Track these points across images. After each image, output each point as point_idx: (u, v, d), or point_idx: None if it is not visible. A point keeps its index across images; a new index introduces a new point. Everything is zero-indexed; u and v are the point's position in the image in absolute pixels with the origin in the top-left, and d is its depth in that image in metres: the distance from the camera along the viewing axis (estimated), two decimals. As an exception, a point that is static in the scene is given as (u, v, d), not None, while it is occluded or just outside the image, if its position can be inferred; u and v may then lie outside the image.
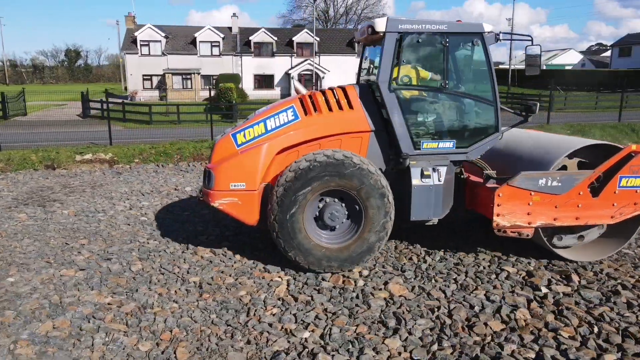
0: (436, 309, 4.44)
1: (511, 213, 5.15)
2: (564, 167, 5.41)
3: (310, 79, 42.49)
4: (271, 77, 42.86)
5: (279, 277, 5.22)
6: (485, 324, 4.15)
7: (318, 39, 42.67)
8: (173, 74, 40.33)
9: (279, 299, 4.72)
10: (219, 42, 41.77)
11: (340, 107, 5.44)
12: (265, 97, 34.70)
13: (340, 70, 41.86)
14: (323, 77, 41.55)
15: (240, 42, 42.79)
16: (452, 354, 3.75)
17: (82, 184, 10.19)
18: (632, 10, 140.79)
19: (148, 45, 41.15)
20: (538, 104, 5.57)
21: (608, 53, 76.91)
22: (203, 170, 5.48)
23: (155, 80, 42.02)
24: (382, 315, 4.35)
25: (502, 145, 6.04)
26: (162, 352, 3.79)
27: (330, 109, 5.43)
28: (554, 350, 3.75)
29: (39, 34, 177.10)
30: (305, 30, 43.65)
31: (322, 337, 4.01)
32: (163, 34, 41.24)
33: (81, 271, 5.41)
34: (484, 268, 5.42)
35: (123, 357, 3.74)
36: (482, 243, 6.14)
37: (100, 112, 25.66)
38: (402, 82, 5.39)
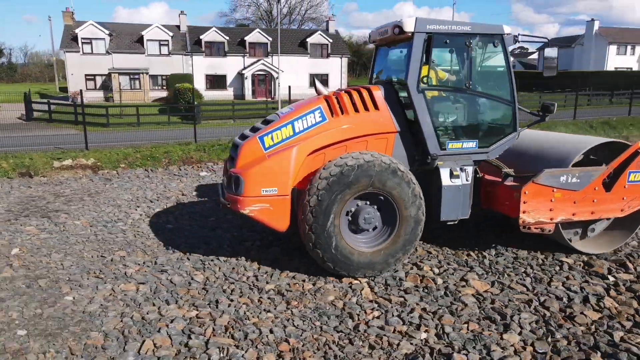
0: (529, 303, 4.60)
1: (535, 210, 5.28)
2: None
3: (264, 80, 42.08)
4: (223, 77, 41.92)
5: (357, 280, 5.17)
6: (583, 314, 4.35)
7: (270, 38, 42.29)
8: (120, 73, 38.32)
9: (370, 301, 4.68)
10: (167, 40, 40.26)
11: (366, 108, 5.35)
12: (219, 97, 33.91)
13: (293, 71, 41.78)
14: (277, 78, 41.24)
15: (190, 41, 41.49)
16: (568, 344, 3.91)
17: (74, 192, 9.49)
18: (545, 17, 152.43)
19: (90, 43, 38.84)
20: (556, 104, 5.84)
21: (535, 55, 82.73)
22: (227, 175, 5.19)
23: (99, 80, 39.76)
24: (482, 311, 4.45)
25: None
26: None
27: (356, 110, 5.32)
28: (656, 334, 4.02)
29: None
30: (258, 30, 43.12)
31: (438, 336, 4.04)
32: (107, 32, 39.10)
33: (142, 285, 5.07)
34: (543, 261, 5.67)
35: (252, 372, 3.56)
36: (500, 239, 6.31)
37: (48, 114, 23.90)
38: (426, 83, 5.35)
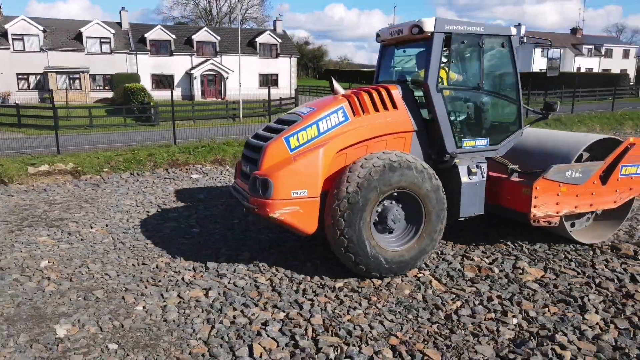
0: (588, 285, 4.99)
1: (544, 204, 5.52)
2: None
3: (214, 80, 41.18)
4: (171, 77, 40.47)
5: (420, 273, 5.33)
6: (638, 292, 4.79)
7: (219, 37, 41.46)
8: (57, 72, 35.92)
9: (446, 292, 4.86)
10: (109, 38, 38.24)
11: (386, 107, 5.36)
12: (166, 98, 32.62)
13: (243, 70, 41.19)
14: (227, 78, 40.55)
15: (133, 39, 39.71)
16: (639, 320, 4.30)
17: (66, 199, 8.90)
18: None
19: (22, 39, 36.05)
20: (559, 102, 6.33)
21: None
22: (251, 178, 4.98)
23: (33, 79, 37.03)
24: (552, 295, 4.76)
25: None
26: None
27: (376, 110, 5.32)
28: None
29: None
30: (205, 28, 42.08)
31: (528, 321, 4.29)
32: (41, 27, 36.47)
33: (209, 290, 4.92)
34: (575, 248, 6.12)
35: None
36: (508, 231, 6.72)
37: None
38: (440, 83, 5.45)
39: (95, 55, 37.90)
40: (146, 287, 5.00)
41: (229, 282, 5.12)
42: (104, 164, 11.38)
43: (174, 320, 4.32)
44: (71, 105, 26.86)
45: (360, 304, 4.62)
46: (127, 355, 3.77)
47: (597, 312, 4.40)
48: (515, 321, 4.26)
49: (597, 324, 4.21)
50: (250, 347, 3.85)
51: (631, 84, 43.99)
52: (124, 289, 4.99)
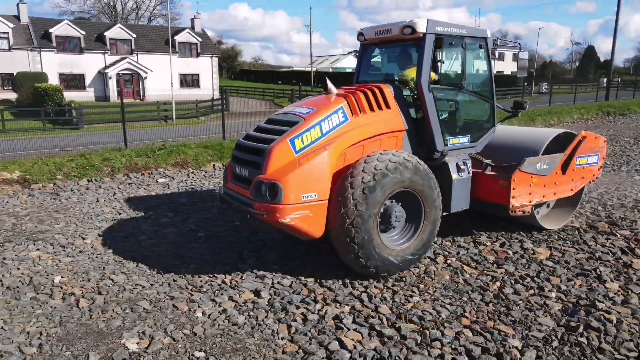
0: (592, 259, 5.69)
1: (520, 195, 5.95)
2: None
3: (131, 80, 38.93)
4: (81, 76, 37.55)
5: (449, 260, 5.70)
6: (636, 260, 5.58)
7: (134, 35, 39.26)
8: (-55, 71, 31.76)
9: (480, 275, 5.27)
10: (7, 33, 34.52)
11: (380, 107, 5.39)
12: (78, 99, 30.39)
13: (162, 70, 39.42)
14: (146, 78, 38.57)
15: (35, 34, 36.22)
16: (646, 284, 5.04)
17: (30, 210, 8.12)
18: (367, 24, 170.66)
19: None
20: (528, 102, 7.09)
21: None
22: (256, 182, 4.79)
23: None
24: (569, 270, 5.38)
25: None
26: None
27: (372, 109, 5.35)
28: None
29: None
30: (119, 25, 39.59)
31: (564, 293, 4.82)
32: None
33: (260, 291, 4.88)
34: (563, 229, 6.89)
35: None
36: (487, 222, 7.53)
37: None
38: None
39: (-9, 52, 34.06)
40: (192, 294, 4.83)
41: (273, 282, 5.10)
42: (55, 171, 10.45)
43: (245, 323, 4.25)
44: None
45: (413, 292, 4.87)
46: (222, 361, 3.68)
47: (612, 281, 5.07)
48: (554, 295, 4.78)
49: (617, 291, 4.86)
50: (340, 341, 3.94)
51: (525, 84, 48.99)
52: (168, 297, 4.77)
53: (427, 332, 4.08)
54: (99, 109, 23.41)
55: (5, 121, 19.62)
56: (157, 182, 10.48)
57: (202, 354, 3.78)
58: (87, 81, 37.81)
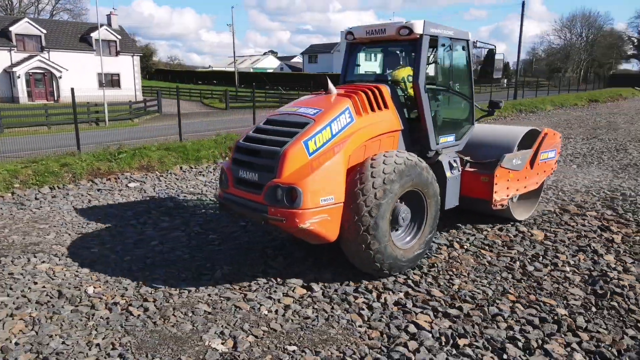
0: (579, 237, 6.49)
1: (501, 189, 6.32)
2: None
3: (42, 79, 35.82)
4: (-17, 75, 33.92)
5: (464, 245, 6.20)
6: (615, 234, 6.46)
7: (45, 30, 36.16)
8: None
9: (499, 256, 5.81)
10: None
11: (379, 107, 5.46)
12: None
13: (79, 69, 36.82)
14: (60, 77, 35.71)
15: None
16: (633, 255, 5.90)
17: (1, 222, 7.42)
18: (278, 24, 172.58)
19: None
20: (503, 101, 7.78)
21: (298, 59, 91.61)
22: (271, 187, 4.66)
23: None
24: (568, 248, 6.10)
25: None
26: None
27: (373, 109, 5.39)
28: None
29: None
30: (27, 19, 36.14)
31: (576, 267, 5.50)
32: None
33: (311, 286, 5.00)
34: (546, 212, 7.73)
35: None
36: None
37: None
38: (409, 82, 5.89)
39: None
40: (245, 294, 4.83)
41: (304, 284, 5.12)
42: (11, 180, 9.55)
43: (317, 316, 4.38)
44: None
45: (451, 276, 5.28)
46: (319, 351, 3.80)
47: (607, 254, 5.87)
48: (568, 269, 5.44)
49: (616, 262, 5.65)
50: (416, 323, 4.22)
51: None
52: (223, 299, 4.74)
53: (486, 309, 4.50)
54: (19, 112, 21.35)
55: None
56: (127, 186, 9.97)
57: (294, 347, 3.87)
58: (-9, 81, 34.21)
